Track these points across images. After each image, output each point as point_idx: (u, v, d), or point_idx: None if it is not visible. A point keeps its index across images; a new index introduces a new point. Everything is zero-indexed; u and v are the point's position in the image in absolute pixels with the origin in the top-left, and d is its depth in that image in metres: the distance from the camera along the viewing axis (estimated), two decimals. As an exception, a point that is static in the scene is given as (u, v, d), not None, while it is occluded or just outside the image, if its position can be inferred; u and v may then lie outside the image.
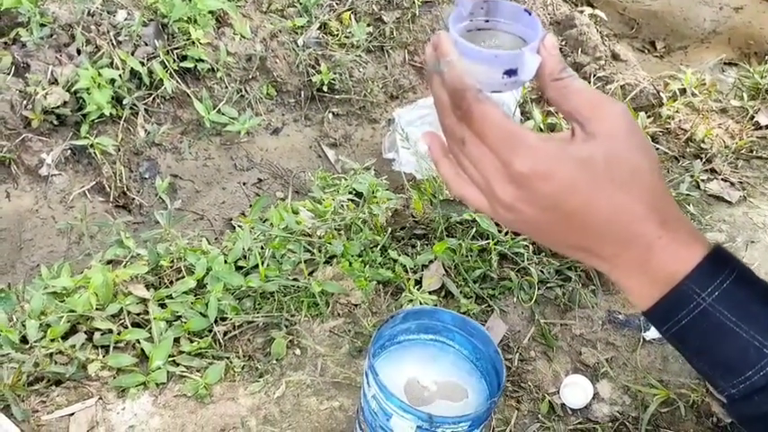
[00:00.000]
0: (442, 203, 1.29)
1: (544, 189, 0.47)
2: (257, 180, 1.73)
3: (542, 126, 1.49)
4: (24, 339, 1.01)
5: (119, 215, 1.61)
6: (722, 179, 1.42)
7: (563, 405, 1.06)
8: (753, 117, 1.64)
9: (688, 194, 1.36)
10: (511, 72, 0.50)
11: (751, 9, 2.28)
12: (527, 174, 0.47)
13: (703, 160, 1.47)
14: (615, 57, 1.78)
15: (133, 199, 1.63)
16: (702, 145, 1.51)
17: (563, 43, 1.82)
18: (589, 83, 1.66)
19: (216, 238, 1.47)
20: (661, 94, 1.61)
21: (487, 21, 0.54)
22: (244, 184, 1.72)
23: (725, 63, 2.07)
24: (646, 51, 2.17)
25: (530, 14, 0.52)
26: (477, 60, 0.49)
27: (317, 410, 0.99)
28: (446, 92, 0.50)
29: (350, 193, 1.42)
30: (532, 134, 0.48)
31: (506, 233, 1.24)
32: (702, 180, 1.42)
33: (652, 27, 2.24)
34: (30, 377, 0.95)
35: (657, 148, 1.51)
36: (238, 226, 1.35)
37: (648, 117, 1.57)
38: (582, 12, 1.96)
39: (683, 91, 1.68)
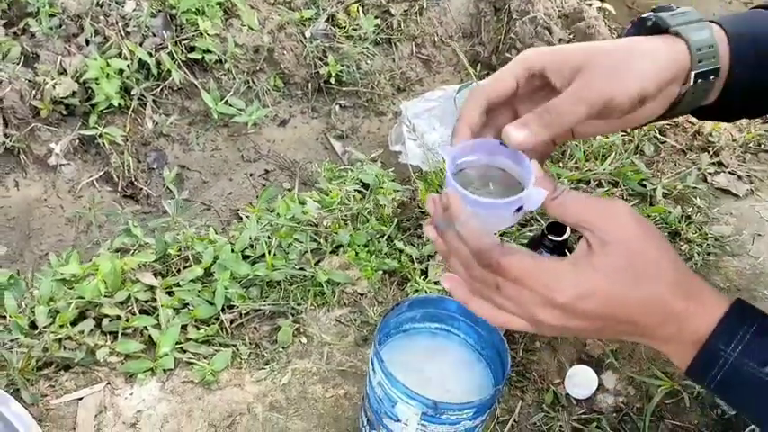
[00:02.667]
0: (448, 194, 1.29)
1: (587, 307, 0.51)
2: (264, 171, 1.74)
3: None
4: (33, 325, 1.02)
5: (126, 205, 1.62)
6: (729, 172, 1.42)
7: (567, 395, 1.06)
8: (761, 111, 1.63)
9: (695, 187, 1.36)
10: (519, 209, 0.54)
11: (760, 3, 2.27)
12: (569, 301, 0.51)
13: (710, 153, 1.47)
14: (623, 50, 1.77)
15: (141, 189, 1.64)
16: (710, 138, 1.50)
17: (571, 36, 1.81)
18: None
19: (223, 229, 1.48)
20: (669, 87, 1.60)
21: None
22: (251, 175, 1.73)
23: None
24: (654, 45, 2.15)
25: (506, 146, 0.56)
26: (490, 209, 0.54)
27: (322, 398, 1.00)
28: (467, 248, 0.53)
29: (356, 184, 1.42)
30: (562, 263, 0.53)
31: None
32: (710, 173, 1.41)
33: (660, 21, 2.23)
34: (39, 362, 0.96)
35: (665, 142, 1.51)
36: (245, 216, 1.35)
37: (656, 110, 1.57)
38: (590, 5, 1.95)
39: (691, 84, 1.67)
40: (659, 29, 0.62)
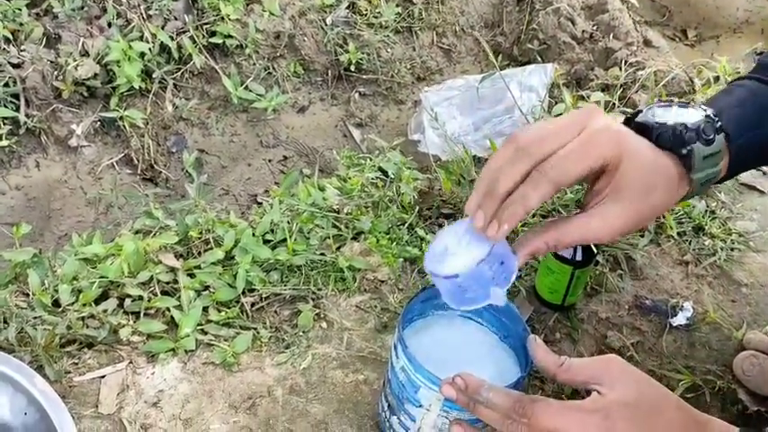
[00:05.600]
0: (470, 184, 1.29)
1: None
2: (282, 157, 1.74)
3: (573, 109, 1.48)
4: (56, 303, 1.03)
5: (146, 187, 1.62)
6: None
7: (587, 387, 1.05)
8: (786, 107, 1.61)
9: (719, 182, 1.35)
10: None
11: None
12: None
13: (735, 149, 1.45)
14: (647, 43, 1.76)
15: (160, 172, 1.64)
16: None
17: (594, 28, 1.80)
18: (620, 69, 1.64)
19: (242, 213, 1.48)
20: (694, 81, 1.59)
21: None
22: (269, 161, 1.73)
23: (757, 53, 2.04)
24: (677, 39, 2.14)
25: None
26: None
27: (342, 383, 1.00)
28: (498, 411, 0.65)
29: (376, 171, 1.41)
30: (585, 403, 0.63)
31: (534, 215, 1.23)
32: (734, 168, 1.40)
33: (684, 15, 2.21)
34: (62, 339, 0.97)
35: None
36: (266, 201, 1.35)
37: (680, 104, 1.55)
38: (613, -3, 1.93)
39: (717, 78, 1.65)
40: (685, 158, 0.68)
